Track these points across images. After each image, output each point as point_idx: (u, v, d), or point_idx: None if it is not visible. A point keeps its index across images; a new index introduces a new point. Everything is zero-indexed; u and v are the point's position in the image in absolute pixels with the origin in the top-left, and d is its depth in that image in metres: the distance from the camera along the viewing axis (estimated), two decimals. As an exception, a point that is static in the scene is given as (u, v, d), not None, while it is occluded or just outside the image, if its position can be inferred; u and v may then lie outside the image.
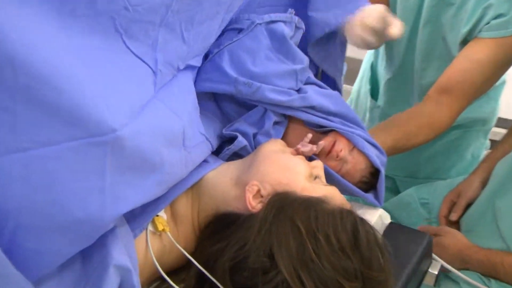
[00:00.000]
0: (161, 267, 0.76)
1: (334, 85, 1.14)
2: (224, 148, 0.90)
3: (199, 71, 0.88)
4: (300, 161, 0.82)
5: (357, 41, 0.97)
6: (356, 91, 1.69)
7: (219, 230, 0.76)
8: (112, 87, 0.60)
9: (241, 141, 0.88)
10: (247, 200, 0.75)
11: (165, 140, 0.70)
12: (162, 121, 0.71)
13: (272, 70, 0.87)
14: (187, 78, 0.83)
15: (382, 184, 0.93)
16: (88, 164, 0.57)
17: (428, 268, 1.03)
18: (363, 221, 0.73)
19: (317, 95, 0.92)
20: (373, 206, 0.96)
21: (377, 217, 0.92)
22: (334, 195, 0.78)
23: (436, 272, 1.03)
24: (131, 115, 0.61)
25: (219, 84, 0.87)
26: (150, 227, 0.75)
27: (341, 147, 0.91)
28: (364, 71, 1.65)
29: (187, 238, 0.81)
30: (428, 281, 1.04)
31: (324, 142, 0.89)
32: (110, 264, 0.61)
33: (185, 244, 0.81)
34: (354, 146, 0.92)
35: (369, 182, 0.95)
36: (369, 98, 1.59)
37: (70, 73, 0.54)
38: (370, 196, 0.94)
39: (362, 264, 0.69)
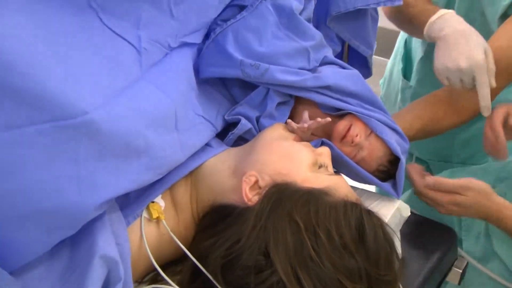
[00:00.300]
0: (159, 257, 0.72)
1: (363, 63, 1.07)
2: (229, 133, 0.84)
3: (202, 55, 0.82)
4: (303, 148, 0.75)
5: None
6: (389, 70, 1.59)
7: (214, 223, 0.71)
8: (84, 69, 0.57)
9: (244, 124, 0.82)
10: (243, 192, 0.69)
11: (151, 122, 0.65)
12: (149, 102, 0.66)
13: (280, 49, 0.80)
14: (183, 57, 0.77)
15: (401, 173, 0.85)
16: (59, 150, 0.54)
17: (452, 265, 0.95)
18: (370, 214, 0.66)
19: (334, 74, 0.84)
20: (392, 197, 0.88)
21: (394, 210, 0.84)
22: (339, 186, 0.71)
23: (461, 270, 0.95)
24: (107, 97, 0.58)
25: (225, 68, 0.80)
26: (145, 214, 0.71)
27: (357, 132, 0.84)
28: (398, 48, 1.54)
29: (187, 227, 0.77)
30: (452, 279, 0.96)
31: (320, 120, 0.81)
32: (95, 254, 0.58)
33: (186, 233, 0.76)
34: (371, 131, 0.85)
35: (387, 171, 0.87)
36: (401, 77, 1.49)
37: (35, 58, 0.52)
38: (387, 185, 0.87)
39: (368, 263, 0.63)
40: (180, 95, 0.73)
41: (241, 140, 0.84)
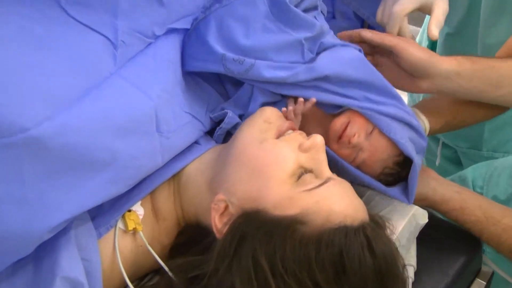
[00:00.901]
0: (137, 270, 0.66)
1: None
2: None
3: (185, 44, 0.70)
4: (282, 151, 0.62)
5: None
6: None
7: (190, 241, 0.64)
8: (31, 74, 0.50)
9: (232, 117, 0.72)
10: (212, 221, 0.61)
11: (120, 129, 0.56)
12: (119, 105, 0.57)
13: (269, 43, 0.68)
14: (169, 45, 0.68)
15: (414, 176, 0.73)
16: (1, 171, 0.48)
17: (475, 276, 0.85)
18: (360, 232, 0.56)
19: (331, 61, 0.71)
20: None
21: (409, 217, 0.73)
22: (323, 202, 0.58)
23: (485, 282, 0.84)
24: (60, 106, 0.50)
25: (206, 63, 0.69)
26: (120, 225, 0.63)
27: (355, 131, 0.72)
28: (426, 22, 1.40)
29: (170, 236, 0.69)
30: (476, 290, 0.86)
31: (292, 109, 0.70)
32: (56, 276, 0.53)
33: (169, 242, 0.68)
34: (374, 128, 0.73)
35: (396, 173, 0.75)
36: None
37: None
38: (395, 191, 0.75)
39: None
40: (163, 92, 0.63)
41: (231, 136, 0.73)
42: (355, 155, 0.73)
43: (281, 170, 0.60)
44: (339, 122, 0.73)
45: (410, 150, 0.72)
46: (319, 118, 0.75)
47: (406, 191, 0.75)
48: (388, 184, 0.75)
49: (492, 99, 0.83)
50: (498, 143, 1.31)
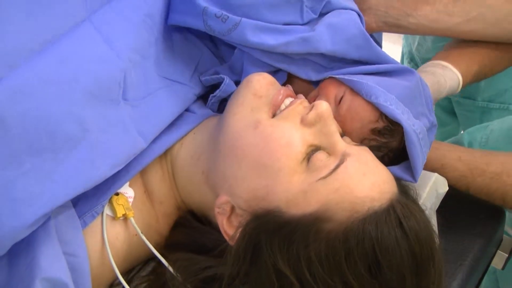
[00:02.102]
0: (131, 264, 0.57)
1: None
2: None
3: None
4: (285, 133, 0.51)
5: None
6: None
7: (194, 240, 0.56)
8: None
9: (229, 84, 0.62)
10: (221, 228, 0.52)
11: (88, 94, 0.47)
12: (87, 64, 0.47)
13: None
14: None
15: (411, 147, 0.58)
16: None
17: (497, 248, 0.79)
18: (386, 231, 0.47)
19: (333, 37, 0.60)
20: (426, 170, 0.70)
21: (429, 187, 0.66)
22: (345, 188, 0.49)
23: (507, 254, 0.78)
24: (9, 65, 0.41)
25: (185, 16, 0.58)
26: (108, 211, 0.54)
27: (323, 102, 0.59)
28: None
29: (170, 223, 0.60)
30: (496, 263, 0.80)
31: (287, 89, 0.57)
32: (36, 277, 0.45)
33: (169, 230, 0.59)
34: (344, 91, 0.61)
35: (384, 146, 0.61)
36: None
37: None
38: (394, 170, 0.60)
39: None
40: (134, 53, 0.53)
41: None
42: None
43: (288, 157, 0.50)
44: (309, 97, 0.63)
45: (396, 112, 0.58)
46: (307, 89, 0.64)
47: (409, 169, 0.61)
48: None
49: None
50: (495, 93, 1.23)
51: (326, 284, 0.46)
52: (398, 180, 0.54)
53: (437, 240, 0.51)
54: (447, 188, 0.70)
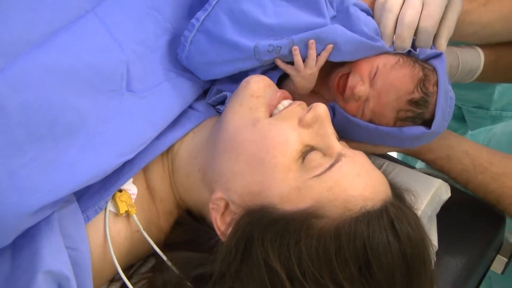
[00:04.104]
0: (132, 259, 0.58)
1: None
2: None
3: (190, 53, 0.59)
4: (283, 132, 0.52)
5: None
6: None
7: (190, 238, 0.57)
8: None
9: None
10: (214, 223, 0.53)
11: (87, 84, 0.48)
12: (89, 55, 0.48)
13: (290, 18, 0.60)
14: None
15: (440, 98, 0.61)
16: None
17: (497, 252, 0.79)
18: (378, 231, 0.48)
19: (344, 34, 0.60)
20: (429, 177, 0.70)
21: (432, 193, 0.66)
22: (338, 186, 0.50)
23: (506, 259, 0.79)
24: (11, 55, 0.42)
25: (234, 64, 0.60)
26: (111, 207, 0.54)
27: (358, 80, 0.61)
28: None
29: (170, 219, 0.60)
30: (495, 267, 0.80)
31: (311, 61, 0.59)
32: (38, 270, 0.45)
33: (169, 228, 0.60)
34: (377, 67, 0.61)
35: (418, 117, 0.62)
36: None
37: None
38: (418, 128, 0.62)
39: None
40: (140, 45, 0.54)
41: None
42: (362, 108, 0.62)
43: (283, 155, 0.51)
44: (338, 74, 0.63)
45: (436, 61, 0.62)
46: (323, 73, 0.64)
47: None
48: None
49: None
50: (507, 103, 1.25)
51: (316, 281, 0.46)
52: (393, 185, 0.55)
53: (431, 246, 0.52)
54: (449, 195, 0.70)
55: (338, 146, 0.53)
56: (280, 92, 0.57)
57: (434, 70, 0.63)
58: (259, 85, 0.57)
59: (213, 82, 0.65)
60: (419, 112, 0.62)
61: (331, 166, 0.51)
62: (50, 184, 0.45)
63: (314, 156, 0.52)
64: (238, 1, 0.58)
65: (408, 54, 0.64)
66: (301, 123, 0.53)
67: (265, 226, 0.49)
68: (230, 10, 0.58)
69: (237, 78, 0.63)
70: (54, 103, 0.45)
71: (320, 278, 0.46)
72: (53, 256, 0.46)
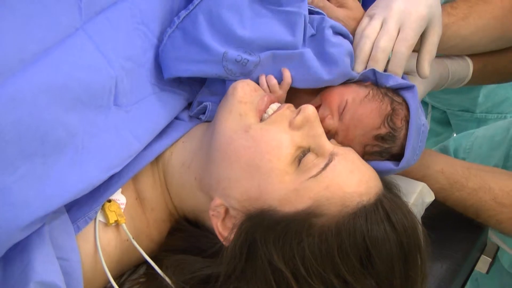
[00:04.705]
0: (123, 268, 0.59)
1: None
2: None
3: (164, 47, 0.61)
4: (275, 136, 0.54)
5: None
6: None
7: (190, 243, 0.58)
8: None
9: (213, 109, 0.63)
10: (215, 230, 0.54)
11: (75, 101, 0.49)
12: (78, 72, 0.49)
13: (265, 33, 0.61)
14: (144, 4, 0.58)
15: (409, 141, 0.62)
16: None
17: (481, 253, 0.81)
18: (376, 223, 0.50)
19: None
20: (412, 180, 0.72)
21: (416, 195, 0.68)
22: (333, 185, 0.52)
23: (490, 259, 0.80)
24: (3, 74, 0.43)
25: (201, 65, 0.60)
26: (100, 218, 0.55)
27: (327, 113, 0.62)
28: None
29: (161, 229, 0.61)
30: (480, 267, 0.82)
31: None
32: (30, 281, 0.46)
33: (160, 236, 0.61)
34: (347, 101, 0.63)
35: (385, 151, 0.63)
36: None
37: None
38: (386, 164, 0.63)
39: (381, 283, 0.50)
40: (127, 61, 0.55)
41: None
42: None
43: (278, 159, 0.52)
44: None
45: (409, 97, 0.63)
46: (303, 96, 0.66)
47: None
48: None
49: None
50: (492, 105, 1.29)
51: (320, 277, 0.48)
52: (382, 177, 0.57)
53: (421, 231, 0.54)
54: (433, 198, 0.72)
55: (329, 145, 0.56)
56: (267, 96, 0.58)
57: (405, 102, 0.64)
58: (245, 91, 0.58)
59: (195, 95, 0.66)
60: (386, 147, 0.63)
61: (326, 166, 0.53)
62: (40, 198, 0.46)
63: (309, 158, 0.54)
64: (219, 5, 0.59)
65: (376, 83, 0.65)
66: (292, 125, 0.55)
67: (267, 228, 0.50)
68: (209, 12, 0.59)
69: (216, 90, 0.64)
70: (46, 120, 0.46)
71: (324, 273, 0.48)
72: (44, 267, 0.47)
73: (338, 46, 0.63)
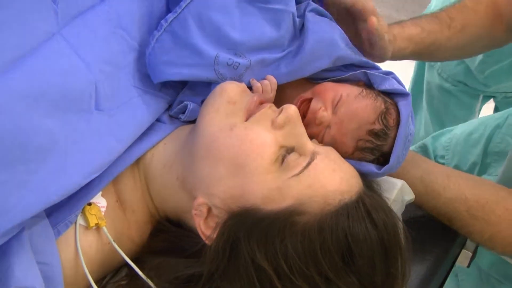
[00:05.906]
0: (105, 271, 0.59)
1: None
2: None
3: (152, 51, 0.60)
4: (259, 135, 0.54)
5: None
6: None
7: (172, 244, 0.58)
8: None
9: (193, 110, 0.64)
10: (198, 229, 0.55)
11: (54, 106, 0.48)
12: (56, 77, 0.49)
13: (255, 35, 0.61)
14: (123, 7, 0.58)
15: (396, 148, 0.63)
16: None
17: (462, 247, 0.82)
18: (357, 221, 0.52)
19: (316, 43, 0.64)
20: (392, 178, 0.72)
21: (396, 192, 0.69)
22: (316, 184, 0.52)
23: (471, 252, 0.82)
24: None
25: (192, 69, 0.60)
26: (81, 221, 0.55)
27: (320, 105, 0.63)
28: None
29: (142, 231, 0.61)
30: (461, 261, 0.83)
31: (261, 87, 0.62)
32: (9, 286, 0.46)
33: (142, 238, 0.61)
34: (341, 95, 0.63)
35: (377, 148, 0.64)
36: None
37: None
38: (368, 166, 0.64)
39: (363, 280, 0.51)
40: (107, 64, 0.55)
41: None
42: (323, 134, 0.63)
43: (261, 157, 0.53)
44: (300, 99, 0.65)
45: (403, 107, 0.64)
46: (296, 84, 0.66)
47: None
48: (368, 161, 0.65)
49: None
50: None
51: (303, 275, 0.49)
52: (362, 175, 0.58)
53: (401, 228, 0.55)
54: (413, 196, 0.72)
55: (311, 144, 0.57)
56: (256, 97, 0.58)
57: (395, 105, 0.65)
58: (235, 91, 0.58)
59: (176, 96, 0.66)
60: (378, 144, 0.63)
61: (308, 164, 0.54)
62: (20, 205, 0.46)
63: (291, 158, 0.54)
64: (208, 7, 0.59)
65: (368, 85, 0.67)
66: (274, 124, 0.56)
67: (250, 227, 0.51)
68: (198, 15, 0.59)
69: (198, 91, 0.64)
70: (25, 128, 0.46)
71: (307, 271, 0.49)
72: (24, 272, 0.47)
73: (319, 21, 0.64)
